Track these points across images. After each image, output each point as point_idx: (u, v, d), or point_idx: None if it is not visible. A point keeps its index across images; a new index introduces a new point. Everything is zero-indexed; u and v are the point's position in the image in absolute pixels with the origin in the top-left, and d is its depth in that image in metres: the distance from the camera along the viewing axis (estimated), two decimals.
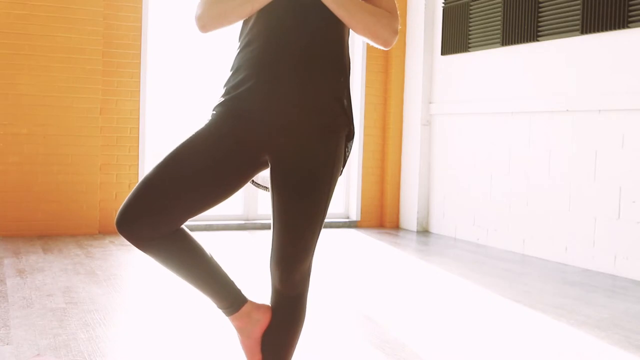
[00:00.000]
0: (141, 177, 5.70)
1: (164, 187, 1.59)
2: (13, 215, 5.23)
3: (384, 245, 5.57)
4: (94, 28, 5.42)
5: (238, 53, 1.69)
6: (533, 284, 4.17)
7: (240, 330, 1.75)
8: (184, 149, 1.63)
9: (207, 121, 1.68)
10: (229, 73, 1.70)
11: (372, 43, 1.68)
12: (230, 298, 1.72)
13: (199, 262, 1.67)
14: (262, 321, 1.74)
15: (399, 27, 1.69)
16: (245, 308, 1.73)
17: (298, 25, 1.62)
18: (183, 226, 1.67)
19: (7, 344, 2.65)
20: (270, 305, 1.77)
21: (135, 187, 1.61)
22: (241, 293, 1.74)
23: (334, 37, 1.66)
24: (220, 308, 1.74)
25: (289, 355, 1.79)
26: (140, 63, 5.64)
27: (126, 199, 1.61)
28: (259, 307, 1.75)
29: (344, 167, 1.74)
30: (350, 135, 1.72)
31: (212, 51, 6.16)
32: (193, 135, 1.66)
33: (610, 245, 4.56)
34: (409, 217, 6.48)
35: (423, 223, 6.41)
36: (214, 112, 1.69)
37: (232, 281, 1.74)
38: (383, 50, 6.80)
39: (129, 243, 5.60)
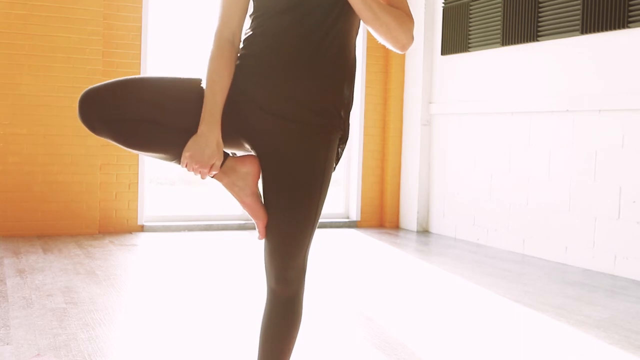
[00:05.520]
0: (141, 177, 5.71)
1: (140, 98, 1.57)
2: (13, 215, 5.23)
3: (384, 245, 5.57)
4: (94, 28, 5.42)
5: (250, 35, 1.68)
6: (533, 284, 4.17)
7: (232, 187, 1.69)
8: (179, 82, 1.64)
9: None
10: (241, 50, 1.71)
11: (388, 46, 1.68)
12: None
13: (162, 129, 1.60)
14: (253, 172, 1.68)
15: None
16: (228, 163, 1.66)
17: (311, 26, 1.62)
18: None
19: (7, 344, 2.65)
20: (266, 304, 1.75)
21: (116, 80, 1.58)
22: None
23: (344, 41, 1.67)
24: None
25: (286, 358, 1.78)
26: (140, 63, 5.65)
27: (102, 84, 1.56)
28: (243, 159, 1.69)
29: (336, 165, 1.75)
30: (343, 138, 1.73)
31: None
32: (193, 78, 1.67)
33: (610, 245, 4.56)
34: (409, 217, 6.48)
35: (423, 223, 6.41)
36: None
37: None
38: (383, 50, 6.83)
39: (129, 243, 5.56)
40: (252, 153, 1.72)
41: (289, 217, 1.66)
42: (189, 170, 1.61)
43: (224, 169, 1.65)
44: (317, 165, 1.67)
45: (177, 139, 1.60)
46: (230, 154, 1.69)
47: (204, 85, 1.63)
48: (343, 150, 1.75)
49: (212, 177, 1.66)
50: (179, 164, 1.63)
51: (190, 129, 1.60)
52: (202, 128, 1.59)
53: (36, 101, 5.29)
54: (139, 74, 5.62)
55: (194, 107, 1.62)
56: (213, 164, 1.60)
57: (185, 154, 1.58)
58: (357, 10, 1.59)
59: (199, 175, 1.63)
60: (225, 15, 1.67)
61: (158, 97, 1.60)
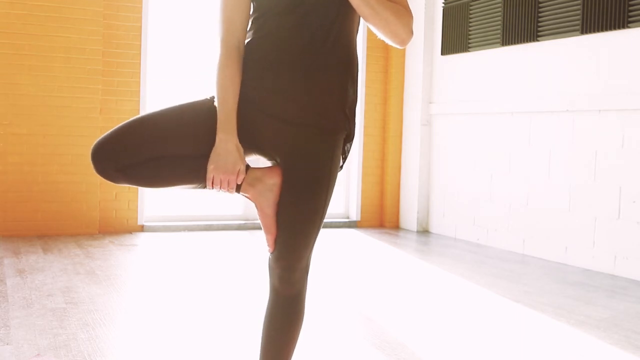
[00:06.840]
0: None
1: (144, 140, 1.58)
2: (13, 215, 5.23)
3: (384, 245, 5.57)
4: (94, 28, 5.42)
5: (251, 40, 1.67)
6: (533, 284, 4.17)
7: (257, 198, 1.67)
8: (180, 111, 1.64)
9: (209, 97, 1.69)
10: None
11: (388, 41, 1.67)
12: None
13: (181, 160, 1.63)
14: (278, 183, 1.66)
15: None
16: (252, 173, 1.66)
17: (313, 25, 1.62)
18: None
19: (7, 344, 2.65)
20: (268, 303, 1.75)
21: (119, 126, 1.60)
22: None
23: (346, 38, 1.67)
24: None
25: (288, 357, 1.78)
26: (140, 63, 5.64)
27: (107, 134, 1.58)
28: (269, 170, 1.67)
29: (344, 163, 1.75)
30: (349, 137, 1.73)
31: (212, 50, 6.15)
32: (192, 103, 1.67)
33: (610, 245, 4.56)
34: (409, 217, 6.48)
35: (423, 223, 6.41)
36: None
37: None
38: (383, 50, 6.82)
39: (129, 243, 5.57)
40: (269, 163, 1.72)
41: (294, 221, 1.66)
42: (216, 185, 1.60)
43: (250, 180, 1.65)
44: (321, 168, 1.67)
45: (195, 164, 1.61)
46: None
47: (214, 94, 1.63)
48: (350, 148, 1.75)
49: (238, 191, 1.65)
50: (206, 187, 1.63)
51: (204, 151, 1.61)
52: (219, 136, 1.59)
53: (36, 101, 5.28)
54: (139, 73, 5.63)
55: (202, 129, 1.62)
56: (239, 170, 1.60)
57: (210, 167, 1.59)
58: (356, 6, 1.59)
59: (227, 193, 1.62)
60: (228, 21, 1.65)
61: (164, 131, 1.60)
